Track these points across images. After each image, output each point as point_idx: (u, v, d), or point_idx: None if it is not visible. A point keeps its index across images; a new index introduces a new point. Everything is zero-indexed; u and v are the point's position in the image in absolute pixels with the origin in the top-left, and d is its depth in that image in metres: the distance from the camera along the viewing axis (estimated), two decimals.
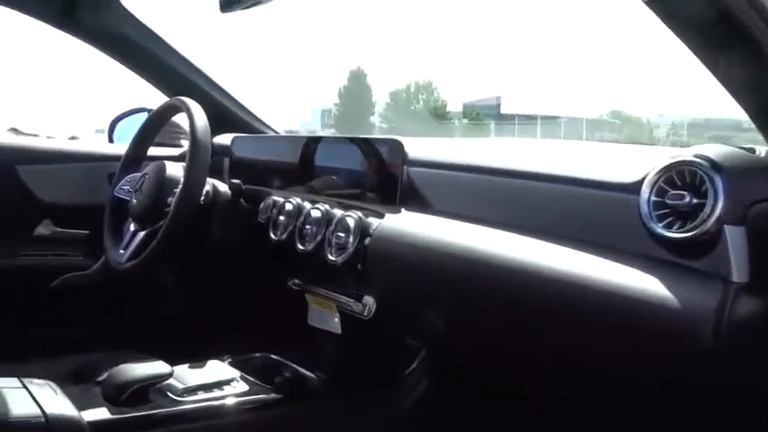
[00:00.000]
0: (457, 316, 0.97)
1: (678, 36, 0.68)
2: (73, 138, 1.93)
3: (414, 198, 1.07)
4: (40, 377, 1.18)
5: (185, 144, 1.72)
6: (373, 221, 1.04)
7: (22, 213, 1.50)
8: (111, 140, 1.76)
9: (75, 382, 1.17)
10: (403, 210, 1.05)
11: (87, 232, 1.55)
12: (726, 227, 0.68)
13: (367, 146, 1.19)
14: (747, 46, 0.66)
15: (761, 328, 0.68)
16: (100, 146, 1.76)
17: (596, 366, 0.82)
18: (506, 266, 0.84)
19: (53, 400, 0.89)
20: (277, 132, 1.74)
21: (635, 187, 0.77)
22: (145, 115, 1.69)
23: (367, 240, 1.03)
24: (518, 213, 0.91)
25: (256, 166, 1.47)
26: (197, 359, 1.22)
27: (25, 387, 0.90)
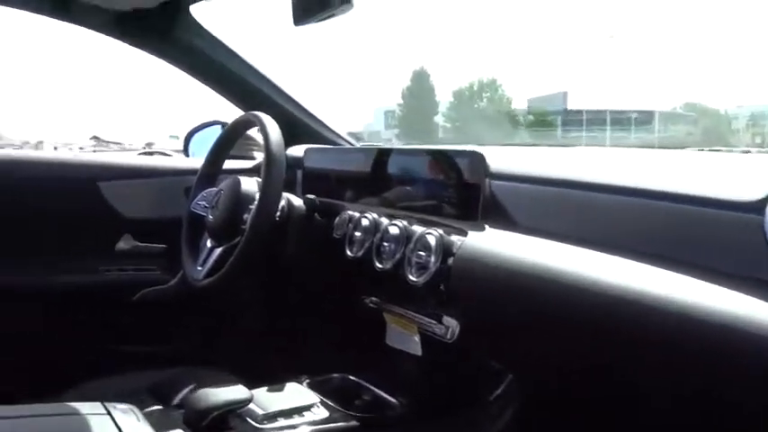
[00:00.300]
0: (546, 340, 0.91)
1: None
2: (149, 144, 1.98)
3: (497, 213, 1.01)
4: (120, 393, 1.19)
5: (258, 155, 1.72)
6: (456, 239, 0.99)
7: (104, 229, 1.53)
8: (186, 154, 1.78)
9: (154, 400, 1.18)
10: (486, 226, 0.99)
11: (165, 246, 1.56)
12: None
13: (445, 157, 1.13)
14: None
15: None
16: (176, 160, 1.79)
17: (698, 401, 0.74)
18: (602, 291, 0.77)
19: (135, 427, 0.89)
20: (352, 144, 1.71)
21: (757, 206, 0.70)
22: (219, 128, 1.70)
23: (450, 260, 0.98)
24: (614, 232, 0.84)
25: (329, 178, 1.45)
26: (273, 377, 1.20)
27: (109, 413, 0.89)
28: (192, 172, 1.48)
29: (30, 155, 1.64)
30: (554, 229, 0.91)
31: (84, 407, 0.91)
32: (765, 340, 0.63)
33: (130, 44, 1.59)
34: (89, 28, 1.56)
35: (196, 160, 1.59)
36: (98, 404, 0.92)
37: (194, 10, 1.57)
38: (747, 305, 0.65)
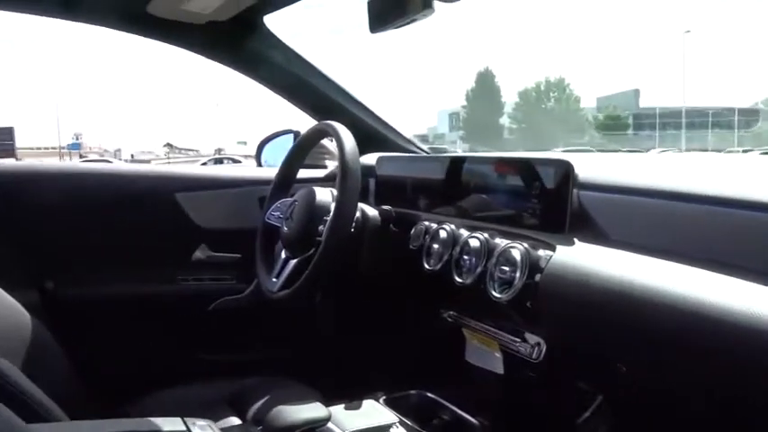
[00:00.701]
0: (640, 361, 0.84)
1: None
2: (219, 149, 2.00)
3: (585, 226, 0.95)
4: (197, 402, 1.20)
5: (329, 164, 1.71)
6: (543, 254, 0.94)
7: (181, 239, 1.55)
8: (258, 163, 1.79)
9: (231, 411, 1.17)
10: (576, 240, 0.93)
11: (239, 256, 1.57)
12: None
13: (528, 166, 1.08)
14: None
15: None
16: (250, 170, 1.80)
17: None
18: (701, 310, 0.71)
19: None
20: (425, 151, 1.68)
21: None
22: (290, 137, 1.70)
23: (537, 276, 0.92)
24: (716, 247, 0.78)
25: (403, 187, 1.42)
26: (348, 389, 1.17)
27: (188, 430, 0.88)
28: (265, 182, 1.48)
29: (109, 168, 1.69)
30: (647, 243, 0.85)
31: (163, 422, 0.90)
32: None
33: (205, 56, 1.61)
34: (164, 41, 1.58)
35: (270, 170, 1.59)
36: (178, 420, 0.92)
37: (268, 20, 1.57)
38: None
